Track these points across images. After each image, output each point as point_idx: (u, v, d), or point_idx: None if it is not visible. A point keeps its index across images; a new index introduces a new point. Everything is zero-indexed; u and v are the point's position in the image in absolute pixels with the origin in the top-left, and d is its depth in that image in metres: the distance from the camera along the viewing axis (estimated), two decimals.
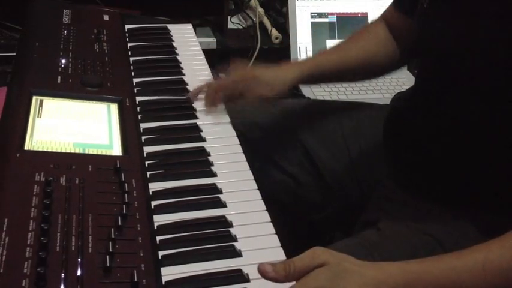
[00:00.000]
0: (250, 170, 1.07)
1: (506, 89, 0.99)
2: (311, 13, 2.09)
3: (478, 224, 1.06)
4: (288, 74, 1.27)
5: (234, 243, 0.90)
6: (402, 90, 1.91)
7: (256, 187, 1.03)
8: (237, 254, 0.88)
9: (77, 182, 0.94)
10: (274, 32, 2.18)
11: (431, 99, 1.14)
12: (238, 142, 1.14)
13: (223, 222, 0.94)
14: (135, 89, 1.26)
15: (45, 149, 1.02)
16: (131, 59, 1.38)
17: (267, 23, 2.22)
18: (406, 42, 1.29)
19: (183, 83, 1.32)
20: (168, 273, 0.84)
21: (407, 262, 0.86)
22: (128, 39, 1.47)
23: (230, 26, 2.22)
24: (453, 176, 1.09)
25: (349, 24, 2.11)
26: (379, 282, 0.81)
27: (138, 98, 1.23)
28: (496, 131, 1.03)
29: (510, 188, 1.04)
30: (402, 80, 2.00)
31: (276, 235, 0.93)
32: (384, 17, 1.35)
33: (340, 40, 2.07)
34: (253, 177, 1.05)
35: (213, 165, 1.06)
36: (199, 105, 1.24)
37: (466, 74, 1.05)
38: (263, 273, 0.81)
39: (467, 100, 1.06)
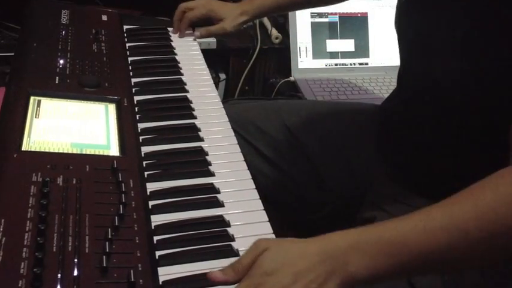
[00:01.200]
0: (248, 169, 1.07)
1: (484, 82, 0.98)
2: (311, 13, 2.09)
3: None
4: (248, 9, 1.51)
5: (232, 243, 0.90)
6: None
7: (254, 187, 1.03)
8: (235, 253, 0.88)
9: (74, 182, 0.94)
10: (274, 32, 2.18)
11: (415, 97, 1.14)
12: (236, 142, 1.14)
13: (221, 222, 0.94)
14: (133, 89, 1.26)
15: (42, 150, 1.02)
16: (129, 59, 1.38)
17: (267, 23, 2.21)
18: None
19: (182, 82, 1.31)
20: (165, 273, 0.83)
21: (350, 229, 0.85)
22: (126, 39, 1.47)
23: None
24: (448, 172, 1.09)
25: (349, 24, 2.11)
26: (322, 250, 0.81)
27: (136, 98, 1.23)
28: (487, 128, 1.02)
29: None
30: None
31: (273, 235, 0.93)
32: None
33: (341, 40, 2.09)
34: (250, 177, 1.05)
35: (210, 165, 1.06)
36: (197, 105, 1.24)
37: (445, 71, 1.05)
38: (213, 279, 0.81)
39: (449, 94, 1.05)
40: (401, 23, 1.17)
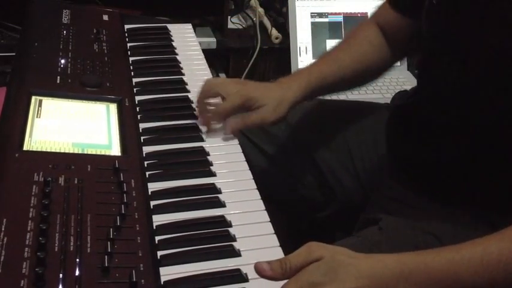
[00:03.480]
0: (250, 169, 1.07)
1: None
2: (311, 13, 2.09)
3: (480, 223, 1.05)
4: (289, 94, 1.18)
5: (233, 243, 0.90)
6: (402, 90, 1.91)
7: (255, 187, 1.03)
8: (236, 253, 0.88)
9: (75, 182, 0.94)
10: (274, 32, 2.18)
11: (436, 99, 1.13)
12: (238, 142, 1.14)
13: (222, 222, 0.94)
14: (135, 89, 1.26)
15: (44, 149, 1.02)
16: (131, 59, 1.38)
17: (267, 23, 2.22)
18: (401, 42, 1.27)
19: (183, 82, 1.31)
20: (167, 273, 0.83)
21: (403, 254, 0.85)
22: (127, 39, 1.47)
23: (230, 26, 2.22)
24: (456, 175, 1.09)
25: (350, 24, 2.11)
26: (374, 273, 0.81)
27: (138, 98, 1.23)
28: (500, 131, 1.02)
29: None
30: (402, 80, 2.00)
31: (275, 235, 0.93)
32: (376, 17, 1.32)
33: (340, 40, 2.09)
34: (252, 177, 1.05)
35: (212, 165, 1.06)
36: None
37: (474, 75, 1.04)
38: (260, 271, 0.81)
39: (474, 100, 1.05)
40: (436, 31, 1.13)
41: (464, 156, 1.08)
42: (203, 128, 1.16)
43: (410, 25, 1.23)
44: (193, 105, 1.23)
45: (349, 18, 2.11)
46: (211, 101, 1.19)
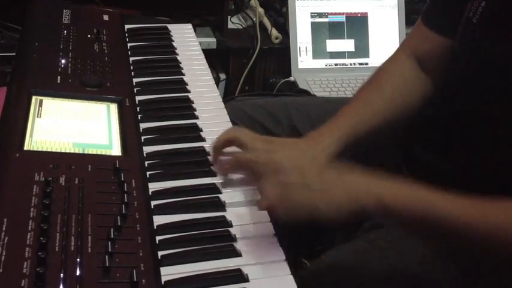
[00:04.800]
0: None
1: None
2: (311, 13, 2.09)
3: None
4: (323, 151, 1.07)
5: (234, 243, 0.90)
6: None
7: (256, 187, 1.02)
8: (237, 253, 0.88)
9: (76, 182, 0.94)
10: (274, 32, 2.18)
11: (466, 120, 1.08)
12: None
13: (223, 222, 0.94)
14: (135, 89, 1.26)
15: (44, 149, 1.02)
16: (131, 59, 1.38)
17: (267, 23, 2.22)
18: (441, 67, 1.15)
19: (183, 82, 1.31)
20: (168, 273, 0.84)
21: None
22: (127, 39, 1.47)
23: (230, 26, 2.23)
24: (465, 181, 1.08)
25: (350, 24, 2.11)
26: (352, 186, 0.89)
27: (138, 98, 1.23)
28: None
29: None
30: None
31: (275, 235, 0.93)
32: (408, 44, 1.22)
33: (341, 40, 2.09)
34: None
35: (212, 165, 1.06)
36: (199, 105, 1.24)
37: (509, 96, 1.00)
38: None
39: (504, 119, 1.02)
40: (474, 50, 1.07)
41: (479, 164, 1.06)
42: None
43: (449, 46, 1.14)
44: (194, 106, 1.23)
45: (350, 18, 2.12)
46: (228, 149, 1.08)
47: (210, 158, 1.07)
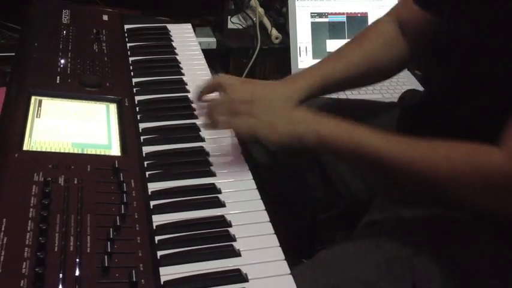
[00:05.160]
0: (250, 170, 1.07)
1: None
2: (311, 13, 2.09)
3: (484, 224, 1.05)
4: (295, 91, 1.17)
5: (233, 243, 0.90)
6: (403, 90, 1.91)
7: (255, 187, 1.03)
8: (236, 253, 0.88)
9: (75, 182, 0.94)
10: (274, 32, 2.18)
11: (443, 99, 1.12)
12: (237, 141, 1.14)
13: (222, 222, 0.94)
14: (134, 89, 1.26)
15: (43, 149, 1.02)
16: (130, 59, 1.38)
17: (267, 23, 2.22)
18: (420, 39, 1.21)
19: (183, 82, 1.31)
20: (167, 273, 0.84)
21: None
22: (127, 39, 1.47)
23: (230, 26, 2.22)
24: None
25: (350, 24, 2.11)
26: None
27: (137, 98, 1.23)
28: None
29: None
30: (402, 80, 2.00)
31: (275, 235, 0.93)
32: (395, 12, 1.27)
33: (341, 40, 2.09)
34: (252, 177, 1.05)
35: (212, 165, 1.06)
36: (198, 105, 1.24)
37: (477, 73, 1.04)
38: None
39: (481, 100, 1.04)
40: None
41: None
42: (201, 126, 1.16)
43: (429, 20, 1.17)
44: (194, 105, 1.23)
45: (350, 18, 2.11)
46: (210, 96, 1.19)
47: (194, 105, 1.21)
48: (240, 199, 1.00)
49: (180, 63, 1.40)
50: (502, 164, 0.90)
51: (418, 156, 0.95)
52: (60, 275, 0.78)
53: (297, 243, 1.40)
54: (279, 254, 0.89)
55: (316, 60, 2.03)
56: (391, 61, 1.24)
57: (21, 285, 0.76)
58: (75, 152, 1.03)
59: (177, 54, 1.44)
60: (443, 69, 1.14)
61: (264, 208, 0.98)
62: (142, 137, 1.11)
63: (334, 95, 1.90)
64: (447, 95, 1.12)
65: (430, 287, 1.00)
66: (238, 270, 0.85)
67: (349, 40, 1.29)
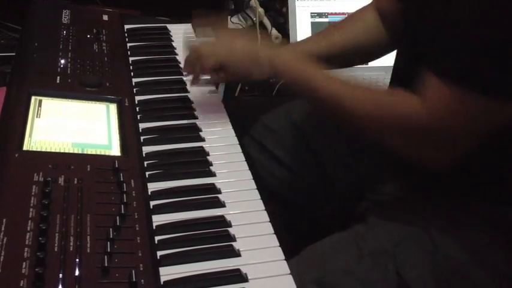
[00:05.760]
0: (249, 169, 1.07)
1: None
2: (311, 13, 2.09)
3: (467, 214, 1.06)
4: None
5: (233, 243, 0.90)
6: None
7: (255, 187, 1.03)
8: (236, 253, 0.88)
9: (75, 182, 0.94)
10: (274, 32, 2.18)
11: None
12: (237, 142, 1.14)
13: (222, 222, 0.94)
14: (134, 89, 1.26)
15: (43, 149, 1.02)
16: (130, 59, 1.38)
17: (267, 23, 2.21)
18: (398, 27, 1.27)
19: (183, 82, 1.31)
20: (167, 273, 0.83)
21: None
22: (127, 39, 1.47)
23: (230, 26, 2.22)
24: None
25: None
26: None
27: (137, 98, 1.23)
28: None
29: (501, 178, 1.06)
30: None
31: (274, 235, 0.93)
32: (376, 2, 1.34)
33: None
34: (251, 177, 1.05)
35: (212, 165, 1.06)
36: (198, 105, 1.24)
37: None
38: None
39: None
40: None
41: None
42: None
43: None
44: (193, 106, 1.23)
45: None
46: None
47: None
48: (240, 199, 1.00)
49: (180, 63, 1.40)
50: (420, 114, 0.97)
51: (350, 95, 1.06)
52: (60, 275, 0.78)
53: (296, 243, 1.40)
54: (279, 254, 0.89)
55: None
56: (370, 45, 1.32)
57: (21, 285, 0.76)
58: (75, 152, 1.03)
59: (177, 54, 1.44)
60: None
61: (263, 208, 0.98)
62: (142, 137, 1.11)
63: None
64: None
65: (414, 273, 1.01)
66: (238, 270, 0.85)
67: (334, 24, 1.42)
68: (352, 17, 1.37)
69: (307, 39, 1.41)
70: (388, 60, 2.00)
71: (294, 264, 1.03)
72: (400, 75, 1.23)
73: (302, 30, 2.08)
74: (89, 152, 1.04)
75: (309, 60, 1.17)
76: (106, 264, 0.80)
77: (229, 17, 2.21)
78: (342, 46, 1.31)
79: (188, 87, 1.30)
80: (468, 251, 1.04)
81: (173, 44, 1.48)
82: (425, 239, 1.05)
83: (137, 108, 1.19)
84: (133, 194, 0.95)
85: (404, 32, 1.20)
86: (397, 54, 1.28)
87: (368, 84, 1.14)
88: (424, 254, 1.03)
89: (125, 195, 0.93)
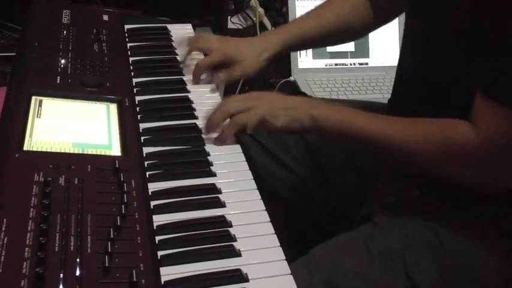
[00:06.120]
0: (250, 169, 1.07)
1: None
2: None
3: (476, 216, 1.06)
4: (272, 45, 1.33)
5: (233, 243, 0.90)
6: None
7: (256, 187, 1.03)
8: (236, 253, 0.88)
9: (76, 182, 0.94)
10: None
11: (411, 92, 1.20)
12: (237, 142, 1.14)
13: (223, 222, 0.94)
14: (135, 89, 1.26)
15: (44, 149, 1.02)
16: (131, 59, 1.38)
17: (267, 23, 2.21)
18: (383, 6, 1.35)
19: (183, 82, 1.31)
20: (167, 273, 0.83)
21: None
22: (127, 39, 1.47)
23: (230, 26, 2.22)
24: None
25: None
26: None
27: (138, 98, 1.23)
28: None
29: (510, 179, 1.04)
30: None
31: (275, 235, 0.93)
32: None
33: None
34: (252, 177, 1.05)
35: (212, 165, 1.06)
36: (199, 105, 1.24)
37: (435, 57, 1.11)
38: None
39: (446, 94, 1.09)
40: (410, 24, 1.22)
41: None
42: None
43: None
44: (194, 106, 1.23)
45: None
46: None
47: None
48: (240, 199, 1.00)
49: (180, 63, 1.40)
50: (472, 139, 0.97)
51: (396, 132, 1.04)
52: (61, 275, 0.78)
53: (296, 243, 1.40)
54: (279, 254, 0.89)
55: (316, 60, 2.06)
56: (357, 25, 1.37)
57: (22, 285, 0.76)
58: (76, 152, 1.03)
59: (177, 54, 1.44)
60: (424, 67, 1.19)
61: (264, 208, 0.98)
62: (142, 137, 1.11)
63: (334, 96, 1.92)
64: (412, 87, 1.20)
65: (424, 276, 1.01)
66: (239, 270, 0.85)
67: (321, 3, 1.42)
68: None
69: (299, 20, 1.44)
70: (389, 60, 2.02)
71: (302, 264, 1.03)
72: (406, 76, 1.24)
73: None
74: (90, 152, 1.04)
75: (344, 107, 1.14)
76: (106, 264, 0.80)
77: (229, 17, 2.21)
78: (333, 26, 1.35)
79: (188, 87, 1.30)
80: (477, 253, 1.04)
81: (173, 44, 1.48)
82: (434, 241, 1.04)
83: (137, 108, 1.19)
84: (134, 194, 0.95)
85: (410, 33, 1.22)
86: (402, 54, 1.28)
87: (410, 119, 1.06)
88: (433, 255, 1.03)
89: (125, 195, 0.93)
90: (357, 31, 1.42)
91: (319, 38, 1.37)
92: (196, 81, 1.31)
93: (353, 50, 2.10)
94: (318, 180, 1.32)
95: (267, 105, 1.13)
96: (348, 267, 1.03)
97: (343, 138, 1.12)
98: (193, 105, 1.23)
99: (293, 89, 1.98)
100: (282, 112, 1.11)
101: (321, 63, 2.08)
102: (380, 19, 1.39)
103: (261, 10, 2.22)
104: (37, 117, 1.10)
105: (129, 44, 1.45)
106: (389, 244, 1.05)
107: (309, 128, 1.11)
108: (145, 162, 1.05)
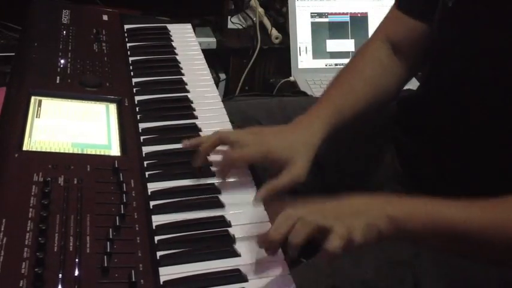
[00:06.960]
0: (249, 169, 1.07)
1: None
2: (311, 13, 2.09)
3: None
4: (314, 136, 1.10)
5: (233, 243, 0.90)
6: (406, 88, 1.91)
7: (255, 187, 1.02)
8: (236, 253, 0.88)
9: (75, 182, 0.94)
10: (274, 32, 2.18)
11: (446, 102, 1.12)
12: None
13: (222, 222, 0.94)
14: (134, 89, 1.26)
15: (43, 150, 1.02)
16: (130, 59, 1.38)
17: (267, 23, 2.22)
18: (414, 53, 1.20)
19: (182, 82, 1.31)
20: (166, 273, 0.84)
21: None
22: (127, 39, 1.47)
23: (230, 26, 2.23)
24: (463, 175, 1.09)
25: (354, 24, 2.11)
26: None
27: (137, 98, 1.23)
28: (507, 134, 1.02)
29: None
30: None
31: None
32: (384, 30, 1.24)
33: (341, 40, 2.09)
34: (251, 177, 1.05)
35: (212, 165, 1.06)
36: (198, 105, 1.24)
37: (488, 79, 1.03)
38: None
39: (485, 103, 1.05)
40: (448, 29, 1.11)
41: (473, 157, 1.08)
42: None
43: (423, 31, 1.17)
44: (193, 106, 1.23)
45: (350, 18, 2.12)
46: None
47: (196, 161, 1.04)
48: (240, 199, 1.00)
49: (180, 63, 1.40)
50: None
51: (490, 221, 0.89)
52: (60, 275, 0.78)
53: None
54: (279, 254, 0.89)
55: (316, 60, 2.06)
56: (392, 84, 1.21)
57: (21, 285, 0.76)
58: (75, 152, 1.03)
59: (177, 54, 1.44)
60: (442, 71, 1.14)
61: (263, 208, 0.98)
62: (142, 137, 1.11)
63: None
64: (446, 94, 1.12)
65: (432, 285, 1.00)
66: (238, 270, 0.85)
67: (345, 67, 1.24)
68: (364, 57, 1.23)
69: (331, 96, 1.17)
70: None
71: (307, 268, 1.02)
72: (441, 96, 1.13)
73: (302, 30, 2.08)
74: (89, 152, 1.04)
75: (422, 199, 0.91)
76: (106, 265, 0.80)
77: (229, 17, 2.21)
78: (370, 96, 1.18)
79: (188, 87, 1.30)
80: (485, 265, 1.02)
81: (173, 44, 1.48)
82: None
83: (137, 108, 1.19)
84: (133, 194, 0.95)
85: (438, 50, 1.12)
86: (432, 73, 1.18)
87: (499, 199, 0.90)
88: (442, 265, 1.02)
89: (124, 195, 0.93)
90: (392, 91, 1.22)
91: (359, 114, 1.17)
92: (226, 175, 1.05)
93: (353, 50, 2.10)
94: (316, 180, 1.32)
95: (333, 216, 0.88)
96: (355, 274, 1.01)
97: (430, 237, 0.89)
98: (193, 105, 1.23)
99: (292, 89, 1.98)
100: (356, 222, 0.86)
101: (321, 63, 2.08)
102: (413, 69, 1.23)
103: (261, 10, 2.22)
104: (36, 117, 1.10)
105: (128, 44, 1.45)
106: (398, 252, 1.03)
107: (389, 233, 0.87)
108: (145, 162, 1.04)
